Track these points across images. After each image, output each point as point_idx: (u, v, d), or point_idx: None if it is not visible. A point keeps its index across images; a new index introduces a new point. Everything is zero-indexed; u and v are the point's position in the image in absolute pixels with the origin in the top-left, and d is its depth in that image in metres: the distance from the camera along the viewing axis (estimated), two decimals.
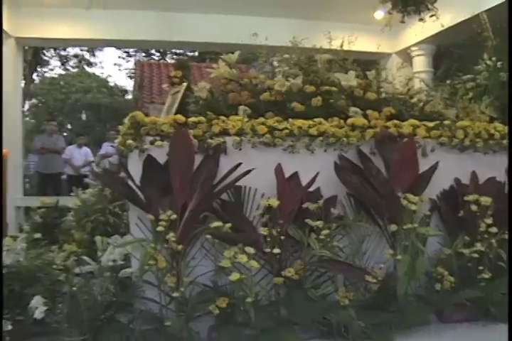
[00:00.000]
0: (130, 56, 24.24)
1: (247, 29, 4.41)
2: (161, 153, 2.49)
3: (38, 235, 2.92)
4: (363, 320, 2.42)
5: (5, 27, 6.41)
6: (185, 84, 3.01)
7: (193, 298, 2.40)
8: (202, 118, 2.59)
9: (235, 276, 2.24)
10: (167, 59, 23.20)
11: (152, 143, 2.51)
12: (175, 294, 2.35)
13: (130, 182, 2.45)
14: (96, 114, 20.06)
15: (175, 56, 22.99)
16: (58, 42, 8.11)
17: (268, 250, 2.42)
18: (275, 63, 3.72)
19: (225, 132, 2.63)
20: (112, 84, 23.27)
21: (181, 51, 21.66)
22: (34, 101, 21.44)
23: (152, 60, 21.89)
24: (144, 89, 14.25)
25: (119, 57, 25.27)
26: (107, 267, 2.44)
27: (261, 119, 2.75)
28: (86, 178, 4.05)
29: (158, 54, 23.57)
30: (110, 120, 19.68)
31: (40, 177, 9.12)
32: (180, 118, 2.55)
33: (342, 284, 2.63)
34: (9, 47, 6.77)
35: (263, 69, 3.67)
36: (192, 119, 2.57)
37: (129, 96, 21.85)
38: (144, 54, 23.71)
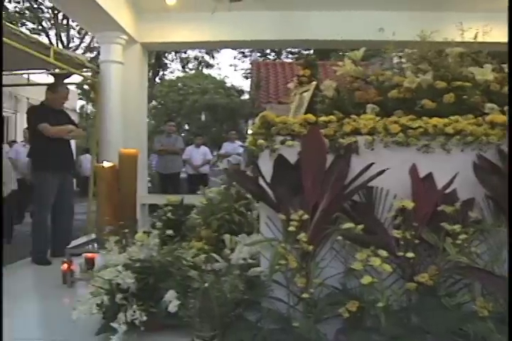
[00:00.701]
0: (245, 56, 24.85)
1: (370, 24, 4.32)
2: (291, 153, 2.51)
3: (170, 232, 3.08)
4: (503, 334, 2.28)
5: (131, 33, 6.84)
6: (314, 83, 3.02)
7: (321, 300, 2.40)
8: (332, 118, 2.58)
9: (366, 279, 2.21)
10: (282, 58, 23.44)
11: (283, 142, 2.55)
12: (304, 295, 2.36)
13: (261, 182, 2.51)
14: (213, 115, 20.78)
15: (290, 55, 23.18)
16: (181, 45, 8.49)
17: (401, 254, 2.35)
18: (396, 59, 3.61)
19: (356, 131, 2.60)
20: (228, 84, 23.94)
21: (296, 50, 21.78)
22: (153, 103, 22.66)
23: (268, 60, 22.22)
24: (260, 89, 14.52)
25: (235, 57, 26.02)
26: (237, 265, 2.51)
27: (394, 118, 2.68)
28: (213, 178, 4.20)
29: (273, 53, 23.89)
30: (227, 120, 20.30)
31: (161, 177, 9.63)
32: (311, 117, 2.56)
33: (479, 293, 2.49)
34: (135, 52, 7.19)
35: (383, 66, 3.58)
36: (322, 118, 2.57)
37: (246, 97, 22.38)
38: (259, 54, 24.17)
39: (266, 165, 2.53)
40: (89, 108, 27.78)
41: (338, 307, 2.32)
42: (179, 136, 10.02)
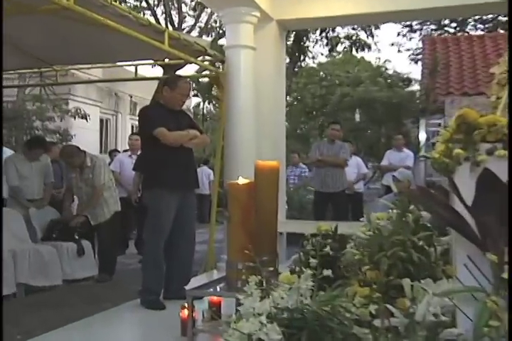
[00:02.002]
0: (414, 31, 24.37)
1: None
2: (502, 167, 2.41)
3: (328, 272, 3.08)
4: None
5: (265, 8, 7.03)
6: None
7: None
8: None
9: None
10: (467, 30, 22.69)
11: (490, 152, 2.45)
12: None
13: (457, 207, 2.44)
14: (367, 113, 20.67)
15: (480, 25, 22.35)
16: (328, 21, 8.50)
17: None
18: None
19: None
20: (389, 71, 23.67)
21: (489, 16, 20.92)
22: (288, 98, 23.03)
23: (447, 34, 21.66)
24: (437, 75, 14.21)
25: (399, 34, 25.54)
26: (424, 323, 2.45)
27: None
28: (381, 199, 4.16)
29: (453, 24, 23.21)
30: (388, 120, 20.04)
31: (317, 197, 9.71)
32: None
33: None
34: (271, 33, 7.36)
35: None
36: None
37: (415, 87, 21.99)
38: (433, 26, 23.63)
39: (465, 184, 2.45)
40: (206, 106, 28.98)
41: None
42: (345, 142, 10.00)
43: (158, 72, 16.57)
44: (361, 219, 3.82)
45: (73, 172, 8.00)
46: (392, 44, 28.76)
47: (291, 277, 3.08)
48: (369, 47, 21.85)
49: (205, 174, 15.87)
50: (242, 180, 3.95)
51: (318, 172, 9.64)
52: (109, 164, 9.86)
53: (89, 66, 10.27)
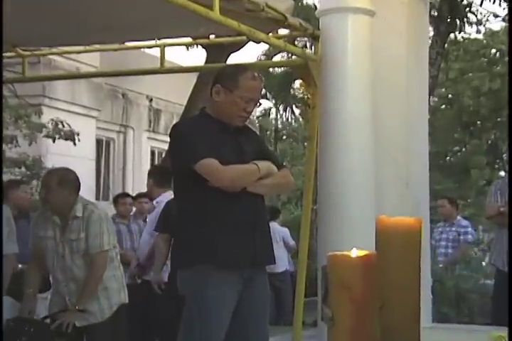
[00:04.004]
0: None
1: None
2: None
3: None
4: None
5: None
6: None
7: None
8: None
9: None
10: None
11: None
12: None
13: None
14: None
15: None
16: None
17: None
18: None
19: None
20: None
21: None
22: (431, 99, 22.77)
23: None
24: None
25: None
26: None
27: None
28: None
29: None
30: None
31: (499, 282, 9.50)
32: None
33: None
34: None
35: None
36: None
37: None
38: None
39: None
40: (281, 116, 29.21)
41: None
42: None
43: (197, 57, 16.74)
44: None
45: (50, 227, 7.43)
46: None
47: None
48: None
49: (276, 236, 15.31)
50: (355, 251, 3.85)
51: (502, 236, 9.34)
52: (114, 219, 9.71)
53: (81, 49, 10.21)
